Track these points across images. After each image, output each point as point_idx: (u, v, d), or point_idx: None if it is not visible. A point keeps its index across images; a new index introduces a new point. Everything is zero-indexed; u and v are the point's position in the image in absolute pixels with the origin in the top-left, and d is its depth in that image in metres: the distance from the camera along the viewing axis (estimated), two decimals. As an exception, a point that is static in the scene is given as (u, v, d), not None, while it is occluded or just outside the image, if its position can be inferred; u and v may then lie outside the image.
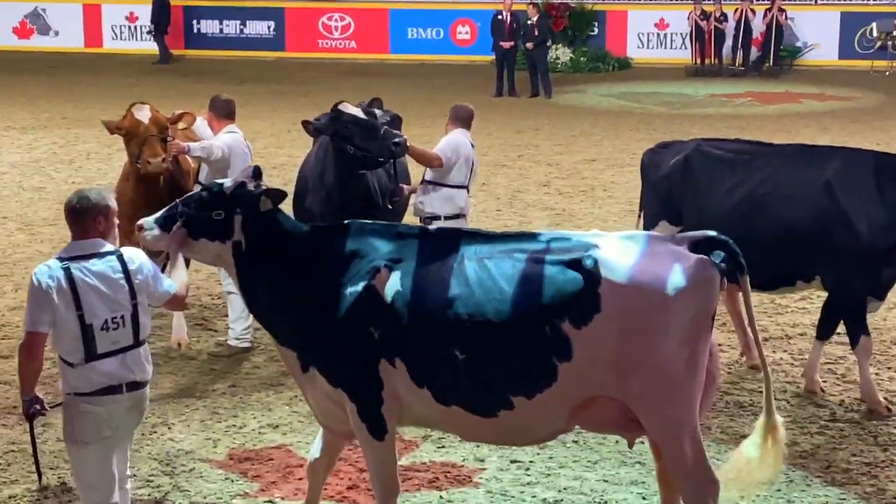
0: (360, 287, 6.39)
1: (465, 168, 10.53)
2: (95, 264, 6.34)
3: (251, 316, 10.48)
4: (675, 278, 6.17)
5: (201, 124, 11.20)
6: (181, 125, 10.28)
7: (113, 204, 6.48)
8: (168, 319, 10.91)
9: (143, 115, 10.02)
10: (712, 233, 6.51)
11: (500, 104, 25.49)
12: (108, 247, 6.45)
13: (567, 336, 6.15)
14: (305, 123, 10.21)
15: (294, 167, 11.02)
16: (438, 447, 8.48)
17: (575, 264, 6.24)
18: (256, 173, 6.80)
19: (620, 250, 6.30)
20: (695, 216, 9.58)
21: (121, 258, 6.41)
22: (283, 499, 7.72)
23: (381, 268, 6.43)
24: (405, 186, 10.56)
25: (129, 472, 6.76)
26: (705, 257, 6.27)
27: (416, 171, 10.84)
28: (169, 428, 8.76)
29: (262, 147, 19.36)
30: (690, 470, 6.28)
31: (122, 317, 6.33)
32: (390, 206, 10.59)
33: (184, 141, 10.29)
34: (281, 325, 6.69)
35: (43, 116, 23.25)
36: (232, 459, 8.30)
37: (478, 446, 8.40)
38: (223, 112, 10.84)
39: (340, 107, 9.98)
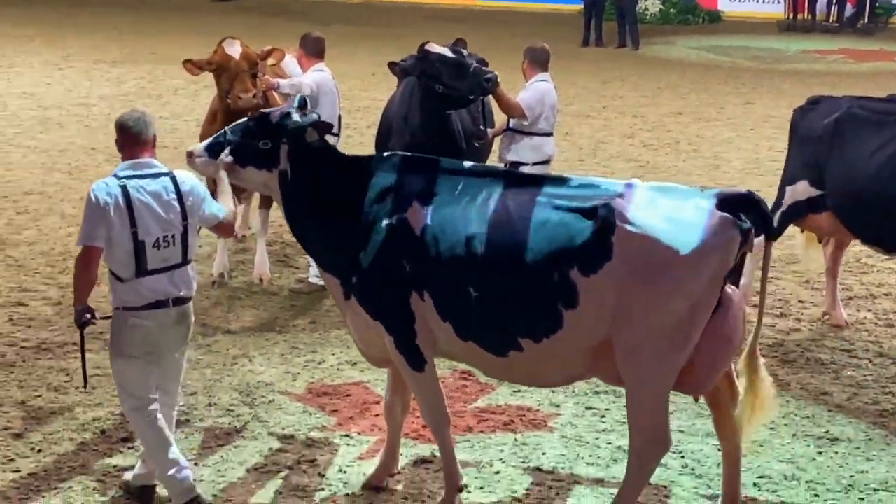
0: (394, 220, 6.47)
1: (551, 116, 10.48)
2: (150, 184, 6.52)
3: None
4: (692, 235, 6.06)
5: (290, 62, 11.26)
6: (270, 61, 10.33)
7: None
8: (251, 255, 11.03)
9: (234, 50, 10.09)
10: (744, 190, 6.38)
11: (587, 54, 25.28)
12: (162, 167, 6.65)
13: (574, 283, 6.11)
14: (392, 64, 10.22)
15: (377, 110, 11.06)
16: (514, 391, 8.50)
17: (591, 212, 6.17)
18: (302, 104, 6.88)
19: (644, 201, 6.20)
20: (838, 180, 9.41)
21: (174, 179, 6.59)
22: (359, 433, 7.79)
23: (414, 201, 6.48)
24: (489, 130, 10.53)
25: (181, 400, 7.00)
26: (728, 216, 6.11)
27: (500, 116, 10.79)
28: (250, 360, 8.86)
29: (347, 89, 19.33)
30: (646, 426, 6.26)
31: (173, 236, 6.52)
32: (476, 146, 10.59)
33: (273, 77, 10.34)
34: (323, 252, 6.80)
35: (132, 51, 23.45)
36: (310, 393, 8.39)
37: (553, 392, 8.43)
38: (313, 49, 10.88)
39: (427, 46, 9.96)
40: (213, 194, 6.91)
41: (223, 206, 6.82)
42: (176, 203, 6.55)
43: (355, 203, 6.60)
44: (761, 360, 6.53)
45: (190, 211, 6.59)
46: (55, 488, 6.97)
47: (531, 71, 10.56)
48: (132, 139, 6.61)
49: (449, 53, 9.97)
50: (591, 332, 6.20)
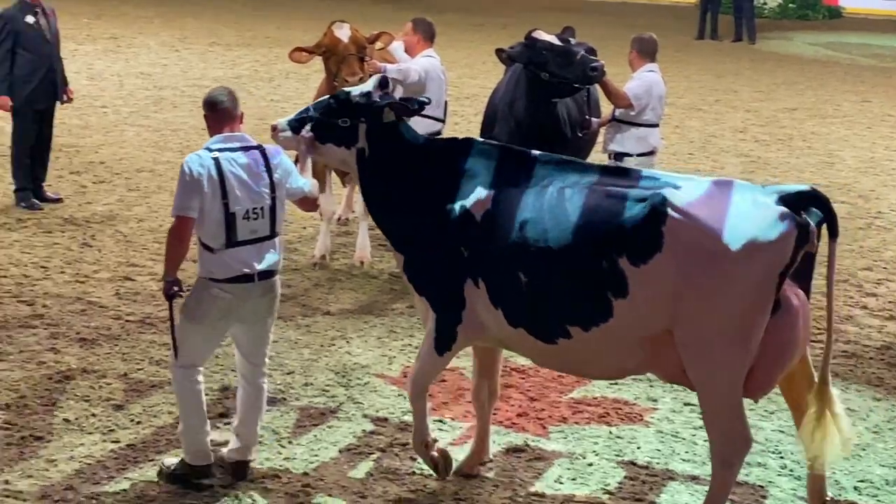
0: (456, 205, 6.51)
1: (658, 107, 10.36)
2: (241, 157, 6.66)
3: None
4: (746, 230, 5.91)
5: (398, 47, 11.27)
6: (378, 45, 10.36)
7: None
8: (352, 238, 11.10)
9: (343, 33, 10.15)
10: (806, 187, 6.22)
11: (701, 47, 24.99)
12: (252, 141, 6.80)
13: (624, 273, 6.05)
14: (499, 51, 10.17)
15: (485, 98, 11.02)
16: (612, 383, 8.42)
17: (643, 202, 6.09)
18: (383, 83, 6.98)
19: (700, 194, 6.08)
20: None
21: (263, 152, 6.72)
22: (452, 419, 7.78)
23: (478, 188, 6.51)
24: (594, 120, 10.43)
25: (265, 371, 7.00)
26: (784, 211, 5.94)
27: (606, 106, 10.70)
28: (347, 342, 8.91)
29: (456, 77, 19.41)
30: (723, 425, 6.15)
31: (262, 208, 6.65)
32: (579, 136, 10.52)
33: (380, 61, 10.37)
34: (394, 230, 6.88)
35: (247, 35, 23.76)
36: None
37: (651, 386, 8.34)
38: (425, 33, 10.88)
39: (534, 34, 9.91)
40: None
41: (307, 181, 6.95)
42: (265, 175, 6.68)
43: (424, 184, 6.68)
44: (834, 392, 6.26)
45: (278, 184, 6.73)
46: (151, 460, 7.06)
47: (638, 61, 10.45)
48: (222, 114, 6.75)
49: (556, 41, 9.92)
50: (643, 323, 6.11)
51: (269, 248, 6.73)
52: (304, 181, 6.93)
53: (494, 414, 7.80)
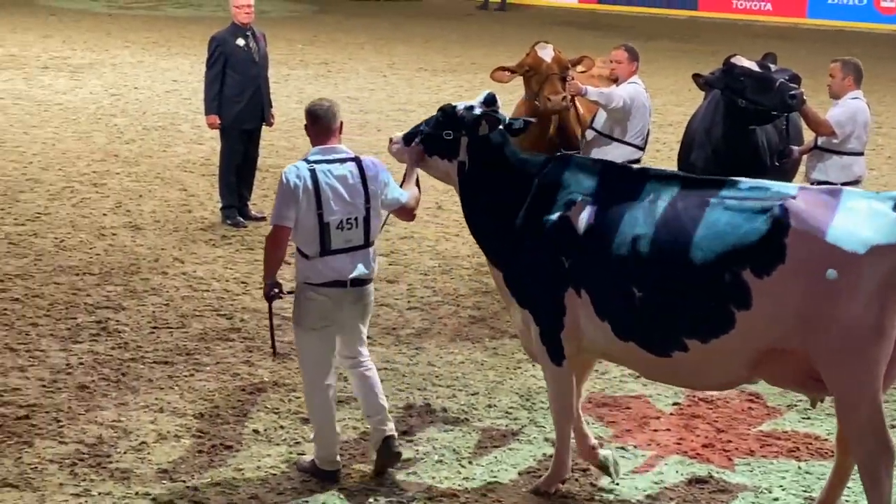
0: (556, 217, 6.62)
1: (863, 135, 10.04)
2: (337, 168, 6.95)
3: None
4: (868, 235, 5.97)
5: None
6: (580, 68, 10.35)
7: None
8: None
9: (546, 53, 10.19)
10: None
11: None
12: (349, 153, 7.07)
13: (747, 284, 6.07)
14: (696, 77, 10.06)
15: (689, 125, 10.89)
16: (803, 417, 8.20)
17: (763, 213, 6.14)
18: (489, 100, 7.15)
19: (816, 203, 6.13)
20: None
21: (359, 164, 7.00)
22: (635, 447, 7.69)
23: (578, 200, 6.61)
24: (795, 148, 10.18)
25: (363, 361, 7.24)
26: None
27: (809, 134, 10.43)
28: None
29: (661, 104, 19.24)
30: (866, 435, 6.10)
31: (356, 218, 6.93)
32: (778, 165, 10.29)
33: (581, 84, 10.33)
34: (491, 243, 7.03)
35: (454, 61, 24.03)
36: (590, 403, 8.33)
37: (845, 421, 8.07)
38: (634, 55, 10.80)
39: (733, 60, 9.76)
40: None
41: (406, 192, 7.20)
42: (360, 187, 6.94)
43: (521, 198, 6.81)
44: None
45: (373, 195, 6.98)
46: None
47: (849, 87, 10.10)
48: (322, 127, 7.03)
49: (755, 67, 9.75)
50: (764, 334, 6.13)
51: (362, 257, 6.99)
52: (402, 192, 7.18)
53: (679, 444, 7.73)
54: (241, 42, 12.34)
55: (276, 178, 14.09)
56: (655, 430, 7.94)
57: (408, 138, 7.22)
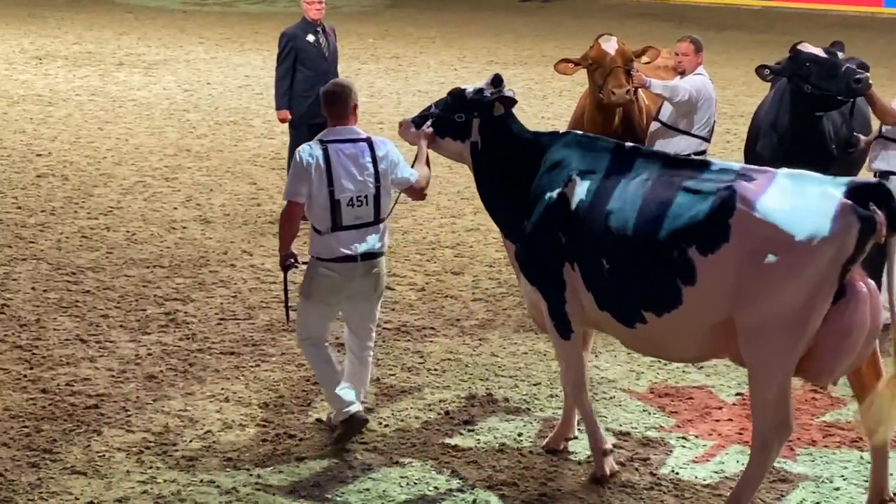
0: (554, 193, 6.90)
1: (931, 125, 9.88)
2: (349, 148, 7.31)
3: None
4: (810, 222, 6.13)
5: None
6: (644, 59, 10.31)
7: None
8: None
9: (610, 46, 10.16)
10: (875, 180, 6.37)
11: None
12: (362, 133, 7.42)
13: (693, 261, 6.32)
14: (761, 68, 10.00)
15: (760, 116, 10.81)
16: (868, 408, 8.14)
17: (713, 194, 6.36)
18: (496, 81, 7.36)
19: (769, 186, 6.31)
20: None
21: (371, 144, 7.36)
22: (696, 437, 7.69)
23: (573, 177, 6.87)
24: (861, 137, 10.08)
25: (370, 345, 7.66)
26: (848, 204, 6.13)
27: (876, 124, 10.32)
28: (596, 356, 8.90)
29: (732, 95, 19.14)
30: (770, 409, 6.34)
31: (366, 196, 7.28)
32: (849, 153, 10.20)
33: (645, 76, 10.30)
34: (504, 220, 7.33)
35: (524, 54, 24.01)
36: (652, 393, 8.34)
37: (912, 412, 8.00)
38: (699, 46, 10.72)
39: (800, 46, 9.70)
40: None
41: (416, 172, 7.48)
42: (370, 166, 7.30)
43: (529, 175, 7.07)
44: None
45: (383, 174, 7.31)
46: (396, 462, 7.27)
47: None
48: (337, 109, 7.41)
49: (821, 54, 9.68)
50: (711, 310, 6.36)
51: (372, 233, 7.32)
52: (411, 172, 7.47)
53: (741, 434, 7.71)
54: (311, 38, 12.44)
55: (344, 171, 14.28)
56: (717, 420, 7.93)
57: (417, 121, 7.51)
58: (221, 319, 9.49)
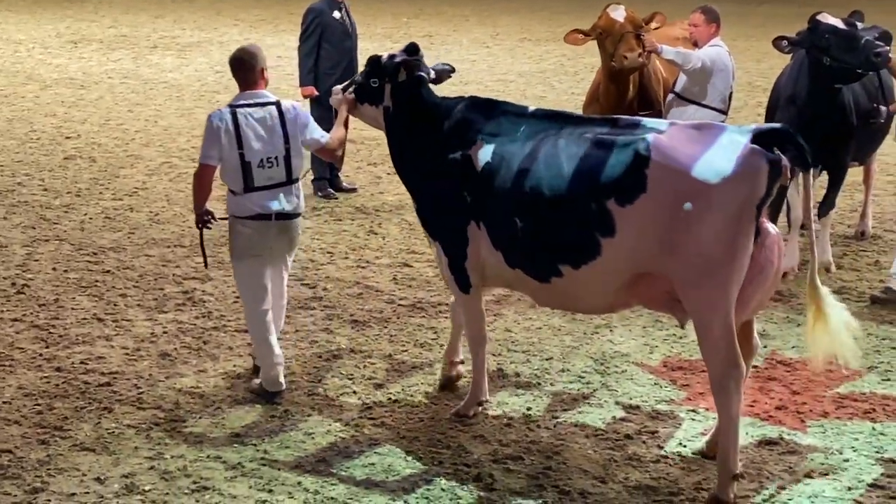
0: (459, 155, 7.12)
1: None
2: (257, 111, 7.58)
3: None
4: (721, 166, 6.31)
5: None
6: (653, 25, 10.26)
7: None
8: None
9: (619, 14, 10.15)
10: (778, 125, 6.70)
11: None
12: (271, 97, 7.68)
13: (611, 213, 6.48)
14: (779, 39, 9.91)
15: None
16: (883, 379, 8.07)
17: (629, 146, 6.52)
18: (411, 49, 7.55)
19: (681, 136, 6.50)
20: None
21: (279, 107, 7.62)
22: (706, 409, 7.63)
23: (479, 139, 7.07)
24: (883, 108, 9.96)
25: (284, 295, 8.05)
26: (756, 148, 6.32)
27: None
28: (611, 331, 8.87)
29: (767, 68, 19.01)
30: (718, 353, 6.45)
31: (276, 158, 7.56)
32: (870, 124, 10.10)
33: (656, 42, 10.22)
34: (412, 181, 7.57)
35: (558, 31, 23.83)
36: (665, 367, 8.30)
37: (927, 383, 7.95)
38: (712, 17, 10.62)
39: (818, 17, 9.60)
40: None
41: (330, 134, 7.77)
42: (279, 128, 7.57)
43: (436, 138, 7.29)
44: (824, 290, 6.65)
45: (292, 135, 7.60)
46: (403, 437, 7.28)
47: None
48: (245, 73, 7.67)
49: (841, 25, 9.58)
50: (629, 260, 6.54)
51: (285, 193, 7.62)
52: (323, 134, 7.75)
53: (752, 406, 7.68)
54: (336, 15, 12.45)
55: (370, 149, 14.31)
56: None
57: (345, 89, 7.75)
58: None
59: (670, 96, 10.45)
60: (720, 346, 6.45)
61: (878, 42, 9.43)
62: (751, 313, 6.72)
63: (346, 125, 7.94)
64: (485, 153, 7.03)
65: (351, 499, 6.54)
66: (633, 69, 9.97)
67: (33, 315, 9.13)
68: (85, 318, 9.08)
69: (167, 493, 6.56)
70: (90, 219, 11.62)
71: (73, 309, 9.27)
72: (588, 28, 10.41)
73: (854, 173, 11.40)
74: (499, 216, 6.94)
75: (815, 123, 9.90)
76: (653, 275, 6.55)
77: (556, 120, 6.99)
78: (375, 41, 20.78)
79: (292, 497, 6.55)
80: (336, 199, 12.40)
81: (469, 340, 7.60)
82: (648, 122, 6.76)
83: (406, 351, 8.58)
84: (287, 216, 7.67)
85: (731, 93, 10.63)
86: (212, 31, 23.40)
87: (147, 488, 6.60)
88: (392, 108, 7.54)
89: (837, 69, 9.55)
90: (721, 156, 6.35)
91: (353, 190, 12.72)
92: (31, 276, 9.99)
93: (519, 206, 6.82)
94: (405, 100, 7.50)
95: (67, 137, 14.93)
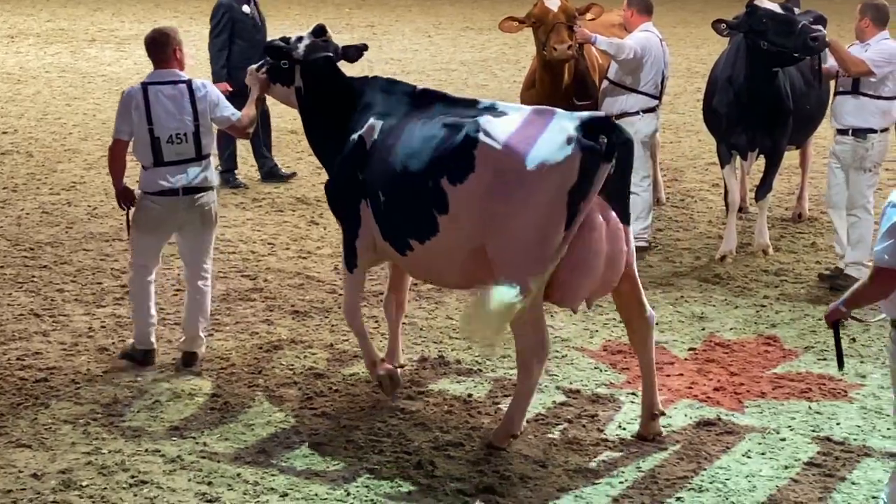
0: (356, 135, 7.34)
1: (895, 79, 9.77)
2: (168, 89, 7.82)
3: (650, 216, 10.49)
4: (538, 152, 6.55)
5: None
6: (588, 16, 10.24)
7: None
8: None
9: (553, 3, 10.14)
10: (600, 114, 7.05)
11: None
12: (183, 76, 7.93)
13: (444, 191, 6.76)
14: (717, 22, 9.98)
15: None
16: (819, 359, 8.17)
17: (463, 128, 6.79)
18: (317, 31, 7.74)
19: (511, 120, 6.75)
20: None
21: (190, 86, 7.88)
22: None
23: (372, 120, 7.31)
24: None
25: (204, 275, 8.14)
26: (574, 135, 6.53)
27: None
28: (552, 316, 8.87)
29: (707, 53, 19.26)
30: (526, 329, 6.76)
31: (185, 134, 7.82)
32: (808, 108, 10.20)
33: (589, 32, 10.24)
34: (325, 160, 7.76)
35: (500, 18, 23.91)
36: (605, 351, 8.34)
37: (862, 362, 8.06)
38: (641, 7, 10.66)
39: (756, 2, 9.68)
40: None
41: (241, 112, 7.97)
42: (188, 105, 7.81)
43: (345, 118, 7.48)
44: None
45: (201, 112, 7.84)
46: (344, 426, 7.25)
47: (872, 30, 9.78)
48: (158, 53, 7.89)
49: (778, 9, 9.66)
50: (464, 237, 6.80)
51: (194, 168, 7.86)
52: (233, 112, 7.96)
53: (690, 388, 7.74)
54: (246, 9, 12.39)
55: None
56: (668, 376, 7.93)
57: (259, 69, 7.91)
58: (178, 290, 9.46)
59: (605, 83, 10.47)
60: (527, 326, 6.73)
61: (815, 27, 9.50)
62: (593, 297, 6.94)
63: (257, 105, 8.09)
64: (373, 132, 7.27)
65: (291, 489, 6.51)
66: (563, 60, 9.97)
67: (-31, 312, 9.03)
68: (21, 314, 8.98)
69: (105, 488, 6.50)
70: (27, 214, 11.51)
71: (9, 305, 9.17)
72: (523, 16, 10.38)
73: (790, 157, 11.49)
74: (374, 191, 7.20)
75: (753, 107, 10.00)
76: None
77: (432, 101, 7.22)
78: (316, 32, 20.72)
79: (232, 489, 6.51)
80: (247, 187, 12.43)
81: (345, 313, 7.74)
82: (501, 105, 6.95)
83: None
84: (194, 190, 7.87)
85: (662, 78, 10.63)
86: (151, 23, 23.08)
87: (85, 483, 6.54)
88: (304, 88, 7.71)
89: (774, 53, 9.63)
90: (544, 140, 6.58)
91: (294, 175, 12.70)
92: (-33, 273, 9.88)
93: (383, 182, 7.12)
94: (316, 81, 7.67)
95: (4, 132, 14.77)
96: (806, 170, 11.61)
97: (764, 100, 9.96)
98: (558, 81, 10.08)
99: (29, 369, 8.02)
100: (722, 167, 10.55)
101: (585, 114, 6.81)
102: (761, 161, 10.57)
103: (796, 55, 9.64)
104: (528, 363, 6.84)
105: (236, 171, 12.69)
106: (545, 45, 9.98)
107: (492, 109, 6.90)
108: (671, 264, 10.24)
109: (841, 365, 6.08)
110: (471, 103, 7.10)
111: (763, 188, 10.47)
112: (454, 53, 20.26)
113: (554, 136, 6.57)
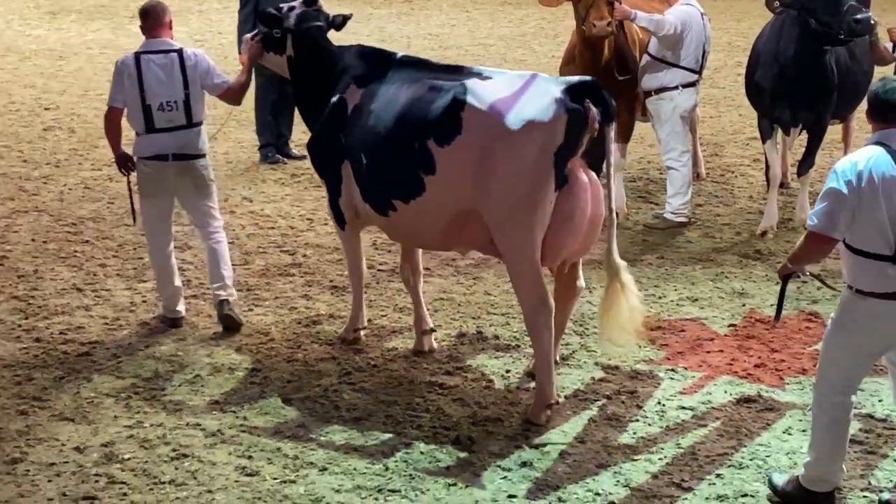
0: (336, 98, 7.58)
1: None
2: (160, 58, 8.07)
3: (690, 191, 10.43)
4: (523, 113, 6.69)
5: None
6: (630, -8, 10.17)
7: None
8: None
9: None
10: (588, 78, 7.00)
11: None
12: (174, 45, 8.17)
13: (431, 152, 6.91)
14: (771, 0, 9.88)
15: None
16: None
17: (450, 91, 6.94)
18: (309, 0, 7.94)
19: (499, 83, 6.90)
20: None
21: (181, 54, 8.10)
22: (685, 369, 7.66)
23: (352, 83, 7.55)
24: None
25: (212, 232, 8.37)
26: (559, 97, 6.66)
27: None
28: (590, 292, 8.86)
29: (748, 27, 19.01)
30: (528, 292, 6.89)
31: (177, 101, 8.07)
32: (853, 84, 10.10)
33: (630, 8, 10.16)
34: (312, 123, 7.95)
35: (540, -7, 23.82)
36: (643, 327, 8.30)
37: None
38: None
39: None
40: None
41: (230, 79, 8.27)
42: (179, 74, 8.05)
43: (326, 83, 7.71)
44: (621, 264, 6.96)
45: (192, 80, 8.08)
46: (382, 401, 7.27)
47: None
48: (150, 23, 8.14)
49: None
50: (451, 198, 6.95)
51: (185, 136, 8.12)
52: (225, 78, 8.25)
53: (730, 365, 7.71)
54: (271, -19, 12.31)
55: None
56: (708, 352, 7.90)
57: (254, 37, 8.16)
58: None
59: (645, 57, 10.40)
60: (529, 286, 6.87)
61: (861, 8, 9.37)
62: (569, 259, 7.11)
63: (249, 72, 8.31)
64: (355, 97, 7.47)
65: (330, 464, 6.54)
66: (602, 37, 9.91)
67: (12, 286, 9.10)
68: (64, 289, 9.06)
69: (146, 461, 6.55)
70: (69, 189, 11.58)
71: (52, 279, 9.24)
72: (561, -7, 10.31)
73: (833, 131, 11.39)
74: (355, 154, 7.39)
75: (799, 82, 9.92)
76: (474, 213, 6.91)
77: (413, 67, 7.41)
78: (355, 7, 20.65)
79: (272, 463, 6.55)
80: (285, 164, 12.41)
81: (349, 272, 8.07)
82: (481, 70, 7.12)
83: (385, 316, 8.58)
84: (184, 157, 8.12)
85: (703, 52, 10.55)
86: (191, 0, 23.25)
87: (126, 456, 6.60)
88: (294, 56, 7.96)
89: (820, 32, 9.54)
90: (529, 103, 6.71)
91: (304, 157, 12.69)
92: (10, 248, 9.95)
93: (364, 144, 7.30)
94: (306, 49, 7.91)
95: (46, 108, 14.86)
96: (849, 144, 11.49)
97: (810, 76, 9.87)
98: (598, 57, 10.02)
99: (71, 343, 8.09)
100: (763, 142, 10.48)
101: (572, 78, 6.98)
102: (803, 136, 10.48)
103: (840, 37, 9.53)
104: (535, 325, 6.92)
105: (280, 147, 12.69)
106: (584, 21, 9.90)
107: (478, 74, 7.06)
108: (711, 240, 10.18)
109: (777, 317, 6.46)
110: (456, 69, 7.32)
111: (805, 163, 10.39)
112: (492, 28, 20.18)
113: (540, 98, 6.71)
